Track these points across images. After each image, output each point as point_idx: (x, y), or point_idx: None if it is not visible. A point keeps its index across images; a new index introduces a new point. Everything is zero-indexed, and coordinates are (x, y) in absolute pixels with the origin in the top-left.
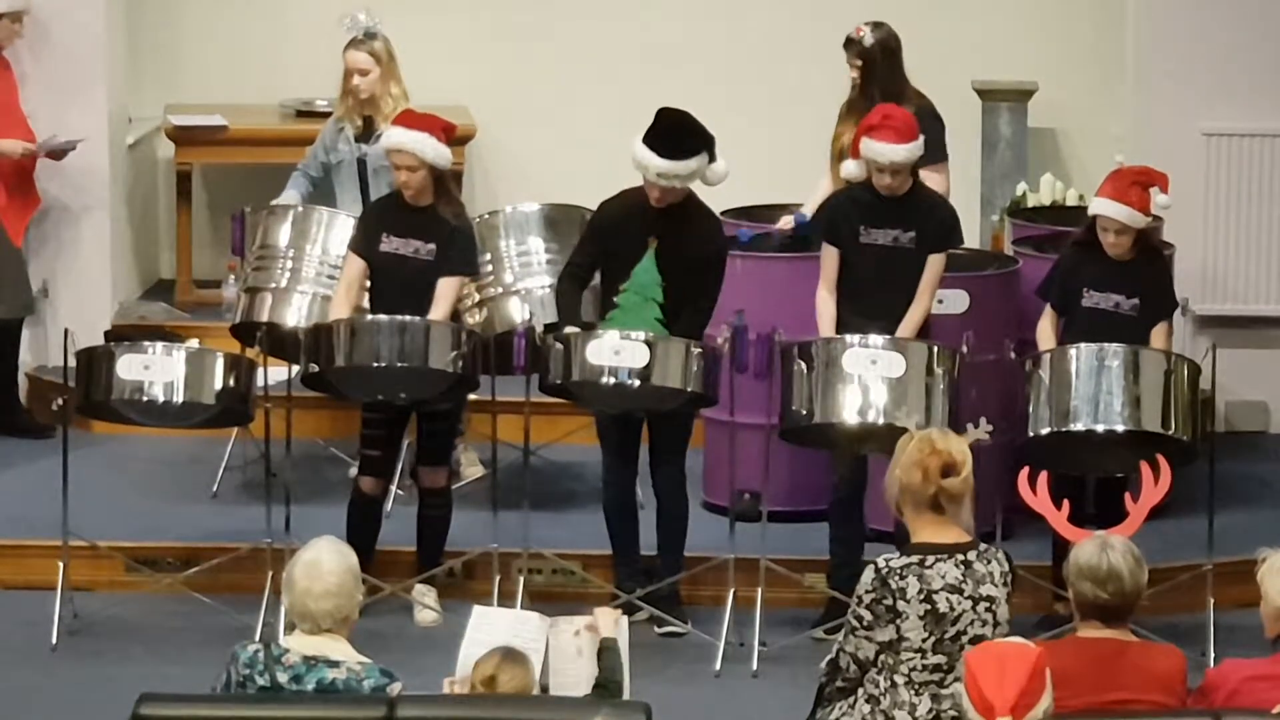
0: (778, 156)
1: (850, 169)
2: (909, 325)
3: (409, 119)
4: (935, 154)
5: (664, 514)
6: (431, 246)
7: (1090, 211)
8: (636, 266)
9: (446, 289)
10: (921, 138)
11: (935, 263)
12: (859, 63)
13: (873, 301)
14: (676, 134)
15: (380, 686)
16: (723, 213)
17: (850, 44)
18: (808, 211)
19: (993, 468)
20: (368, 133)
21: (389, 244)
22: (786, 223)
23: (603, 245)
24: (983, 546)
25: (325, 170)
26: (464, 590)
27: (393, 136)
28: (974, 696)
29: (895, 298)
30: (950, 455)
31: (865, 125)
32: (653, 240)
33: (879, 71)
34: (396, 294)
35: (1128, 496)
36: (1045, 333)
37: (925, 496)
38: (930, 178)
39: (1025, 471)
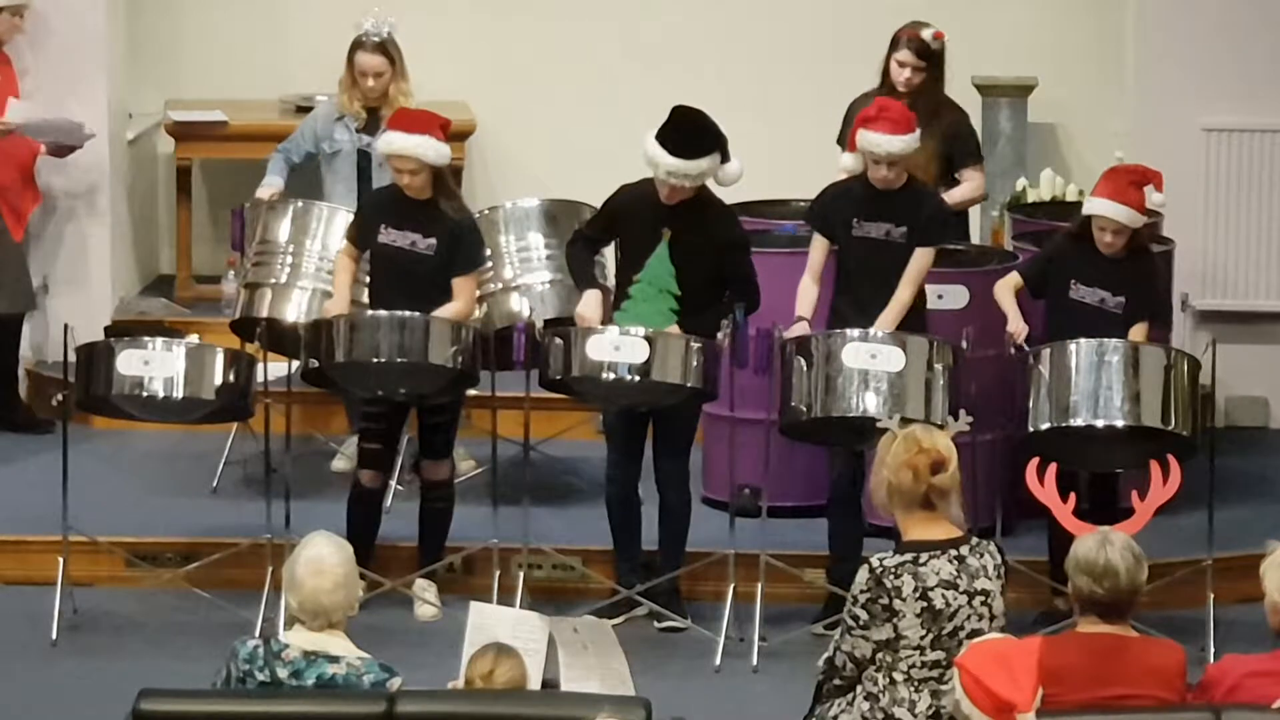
0: (779, 152)
1: (847, 161)
2: (888, 316)
3: (405, 120)
4: (976, 156)
5: (666, 509)
6: (431, 241)
7: (1087, 211)
8: (650, 257)
9: (462, 287)
10: (918, 131)
11: (921, 255)
12: (923, 64)
13: (864, 295)
14: (689, 133)
15: (380, 682)
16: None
17: (915, 42)
18: None
19: (992, 463)
20: (372, 125)
21: (387, 235)
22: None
23: (613, 226)
24: (975, 540)
25: (309, 158)
26: (464, 585)
27: (393, 142)
28: (980, 699)
29: (886, 291)
30: (938, 452)
31: (862, 117)
32: (666, 232)
33: (941, 75)
34: (392, 285)
35: (1134, 494)
36: (1004, 291)
37: (917, 495)
38: (972, 177)
39: (1034, 463)
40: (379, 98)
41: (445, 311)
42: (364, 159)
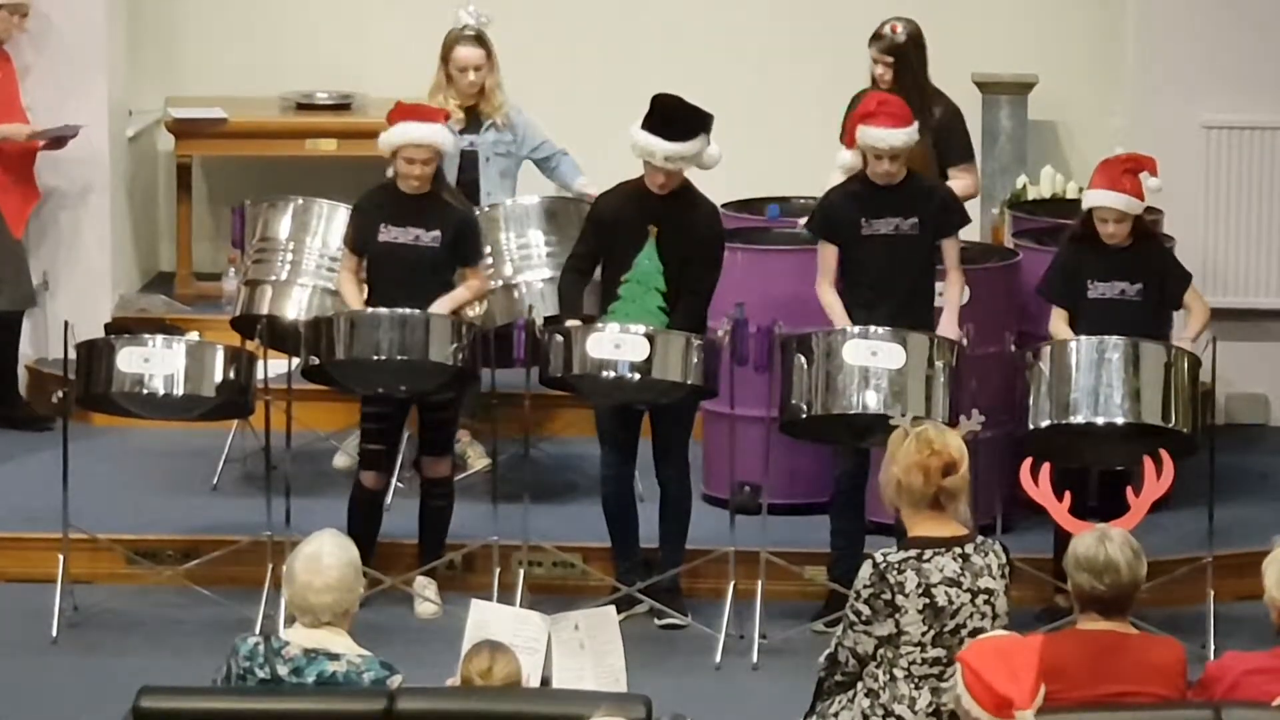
0: (779, 149)
1: (846, 159)
2: (953, 308)
3: (414, 113)
4: (964, 154)
5: (668, 505)
6: (435, 233)
7: (1086, 204)
8: (638, 255)
9: (474, 277)
10: (916, 124)
11: (950, 245)
12: (890, 59)
13: (877, 291)
14: (677, 116)
15: (380, 679)
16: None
17: (879, 39)
18: None
19: (993, 460)
20: (474, 124)
21: (387, 233)
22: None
23: (603, 237)
24: (980, 539)
25: None
26: (464, 583)
27: (411, 132)
28: (981, 695)
29: (900, 285)
30: (950, 454)
31: (861, 113)
32: (653, 229)
33: (911, 67)
34: (398, 282)
35: (1129, 490)
36: (1062, 332)
37: (926, 496)
38: (960, 177)
39: (1027, 463)
40: (477, 93)
41: (462, 292)
42: (467, 160)
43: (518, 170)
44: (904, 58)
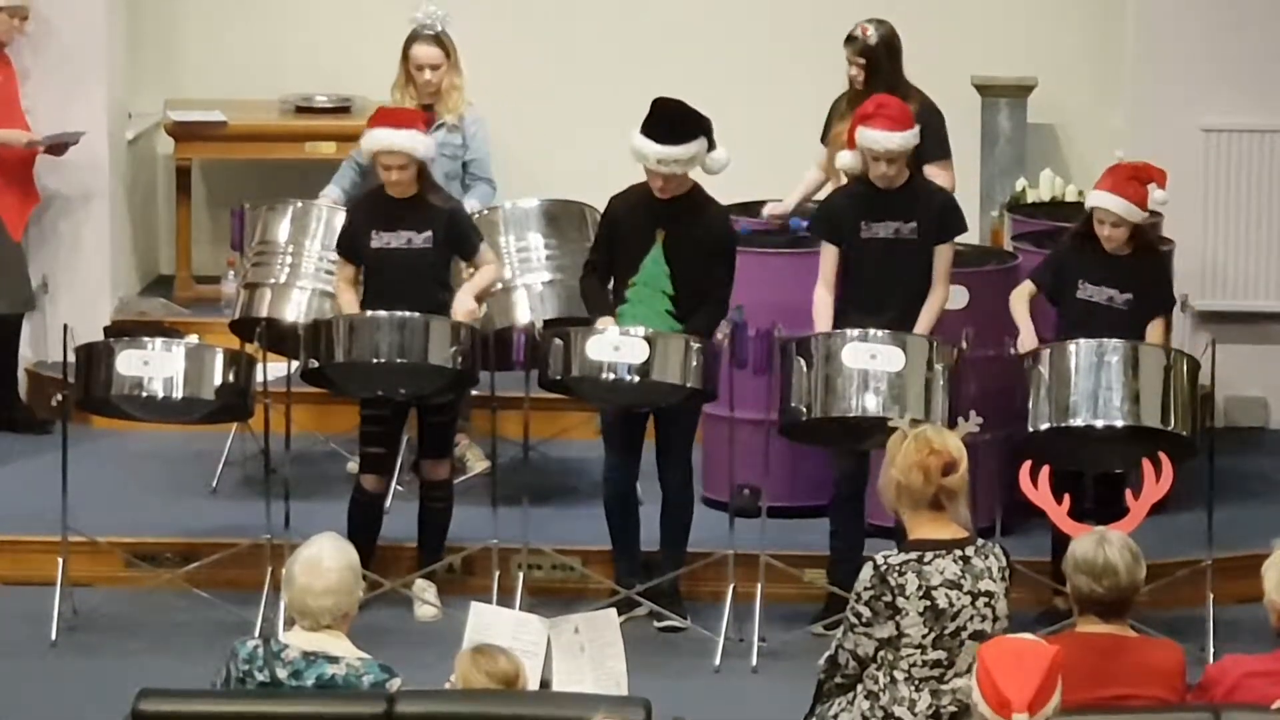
0: (780, 152)
1: (846, 160)
2: (929, 316)
3: (389, 118)
4: (939, 150)
5: (670, 508)
6: (427, 234)
7: (1087, 204)
8: (645, 259)
9: (482, 261)
10: (917, 127)
11: (944, 252)
12: (862, 60)
13: (877, 295)
14: (672, 120)
15: (380, 682)
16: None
17: (852, 41)
18: (790, 203)
19: (992, 463)
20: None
21: (379, 239)
22: (773, 208)
23: (613, 238)
24: (980, 542)
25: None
26: (463, 585)
27: (381, 139)
28: (987, 691)
29: (899, 289)
30: (949, 454)
31: (860, 115)
32: (660, 232)
33: (882, 69)
34: (394, 286)
35: (1129, 493)
36: (1018, 302)
37: (926, 496)
38: (936, 174)
39: (1027, 466)
40: (434, 93)
41: (481, 277)
42: None
43: (465, 175)
44: (875, 59)
